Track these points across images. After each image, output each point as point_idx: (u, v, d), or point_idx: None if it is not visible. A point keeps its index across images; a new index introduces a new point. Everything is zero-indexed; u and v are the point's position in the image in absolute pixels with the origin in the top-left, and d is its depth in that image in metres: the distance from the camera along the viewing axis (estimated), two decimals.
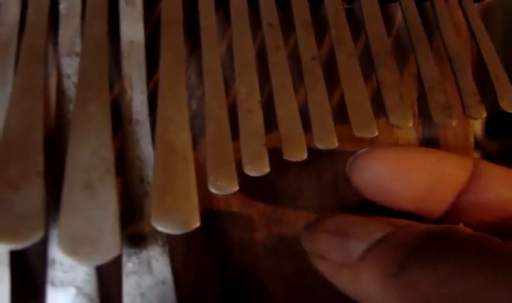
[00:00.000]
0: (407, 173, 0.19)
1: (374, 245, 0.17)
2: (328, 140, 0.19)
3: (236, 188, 0.18)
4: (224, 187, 0.18)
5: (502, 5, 0.46)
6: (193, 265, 0.21)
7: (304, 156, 0.18)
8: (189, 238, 0.18)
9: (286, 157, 0.18)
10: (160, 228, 0.17)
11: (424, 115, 0.23)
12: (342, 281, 0.18)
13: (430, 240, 0.16)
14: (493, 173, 0.19)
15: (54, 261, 0.18)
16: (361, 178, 0.19)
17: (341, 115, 0.20)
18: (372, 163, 0.19)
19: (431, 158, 0.19)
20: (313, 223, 0.19)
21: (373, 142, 0.21)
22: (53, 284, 0.18)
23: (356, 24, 0.22)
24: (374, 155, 0.19)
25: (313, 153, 0.19)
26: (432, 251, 0.15)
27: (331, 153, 0.22)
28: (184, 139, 0.18)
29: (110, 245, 0.16)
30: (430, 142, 0.23)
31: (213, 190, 0.18)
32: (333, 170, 0.22)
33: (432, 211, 0.19)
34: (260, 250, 0.22)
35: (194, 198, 0.17)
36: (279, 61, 0.20)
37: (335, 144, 0.19)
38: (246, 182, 0.18)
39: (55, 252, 0.18)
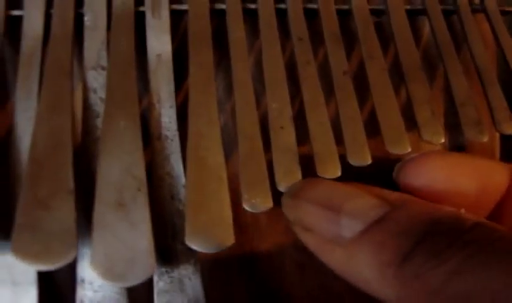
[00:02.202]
0: (458, 180, 0.18)
1: (371, 227, 0.16)
2: (361, 157, 0.19)
3: (271, 205, 0.17)
4: (259, 204, 0.17)
5: None
6: (221, 281, 0.21)
7: (338, 174, 0.18)
8: (217, 254, 0.18)
9: (319, 174, 0.18)
10: (194, 247, 0.16)
11: (450, 129, 0.23)
12: (333, 259, 0.16)
13: (435, 229, 0.15)
14: None
15: (83, 280, 0.18)
16: (411, 184, 0.18)
17: (370, 130, 0.20)
18: (424, 169, 0.18)
19: (479, 164, 0.19)
20: (298, 189, 0.18)
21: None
22: None
23: (384, 37, 0.22)
24: (426, 162, 0.18)
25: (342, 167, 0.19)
26: (439, 242, 0.14)
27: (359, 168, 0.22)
28: (216, 155, 0.18)
29: (144, 265, 0.16)
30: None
31: (248, 208, 0.17)
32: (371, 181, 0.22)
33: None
34: (287, 265, 0.21)
35: (228, 216, 0.17)
36: (309, 75, 0.20)
37: (368, 160, 0.19)
38: (274, 197, 0.18)
39: (85, 272, 0.18)
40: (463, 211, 0.16)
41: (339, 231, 0.16)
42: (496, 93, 0.21)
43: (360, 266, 0.15)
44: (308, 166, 0.18)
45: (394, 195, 0.17)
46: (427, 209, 0.16)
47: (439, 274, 0.14)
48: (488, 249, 0.14)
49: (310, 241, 0.17)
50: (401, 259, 0.14)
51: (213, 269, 0.21)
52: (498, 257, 0.13)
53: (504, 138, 0.23)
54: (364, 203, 0.16)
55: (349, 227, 0.16)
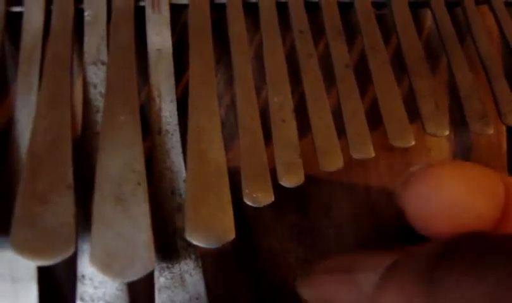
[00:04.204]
0: (473, 202, 0.16)
1: (389, 270, 0.15)
2: (364, 150, 0.18)
3: (272, 199, 0.17)
4: (260, 199, 0.17)
5: None
6: (223, 277, 0.21)
7: (341, 165, 0.18)
8: (219, 249, 0.18)
9: (322, 168, 0.18)
10: (194, 242, 0.16)
11: (455, 122, 0.22)
12: None
13: (449, 250, 0.14)
14: None
15: (83, 276, 0.18)
16: (418, 205, 0.16)
17: (372, 122, 0.20)
18: (433, 187, 0.16)
19: (488, 182, 0.17)
20: (311, 269, 0.18)
21: (406, 150, 0.21)
22: (82, 300, 0.18)
23: (386, 30, 0.22)
24: (435, 177, 0.16)
25: (344, 162, 0.18)
26: (463, 257, 0.13)
27: (362, 161, 0.21)
28: (217, 149, 0.18)
29: (144, 260, 0.16)
30: (462, 150, 0.22)
31: (249, 202, 0.17)
32: (365, 179, 0.22)
33: None
34: (291, 261, 0.21)
35: (229, 210, 0.17)
36: (311, 69, 0.20)
37: (371, 154, 0.18)
38: (277, 191, 0.18)
39: (85, 268, 0.18)
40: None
41: (359, 289, 0.16)
42: (501, 85, 0.20)
43: None
44: (309, 160, 0.18)
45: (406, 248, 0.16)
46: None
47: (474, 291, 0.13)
48: (485, 259, 0.13)
49: None
50: (425, 286, 0.14)
51: (215, 265, 0.21)
52: (495, 266, 0.13)
53: (511, 131, 0.23)
54: (377, 257, 0.16)
55: (368, 281, 0.16)
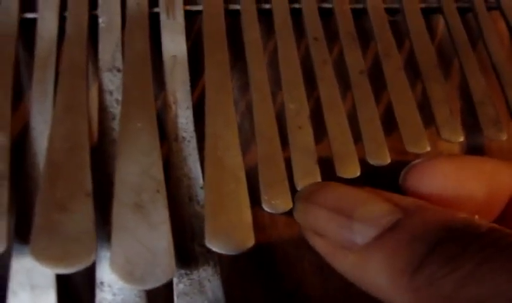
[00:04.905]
0: (467, 184, 0.18)
1: (384, 234, 0.15)
2: (380, 156, 0.19)
3: (290, 206, 0.17)
4: (279, 205, 0.17)
5: None
6: (239, 283, 0.21)
7: (358, 173, 0.18)
8: (235, 255, 0.18)
9: (339, 174, 0.18)
10: (214, 249, 0.16)
11: (467, 127, 0.22)
12: (344, 265, 0.16)
13: (449, 235, 0.15)
14: None
15: (102, 283, 0.18)
16: (419, 191, 0.18)
17: (386, 128, 0.20)
18: (432, 175, 0.18)
19: (486, 167, 0.19)
20: (309, 193, 0.18)
21: (420, 156, 0.21)
22: None
23: (399, 36, 0.22)
24: (433, 167, 0.18)
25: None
26: (453, 248, 0.14)
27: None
28: (234, 156, 0.18)
29: (165, 267, 0.16)
30: (473, 155, 0.22)
31: (268, 209, 0.17)
32: (379, 184, 0.22)
33: (485, 219, 0.18)
34: (305, 266, 0.21)
35: (248, 217, 0.17)
36: (326, 75, 0.20)
37: (387, 160, 0.19)
38: (292, 197, 0.18)
39: (104, 274, 0.18)
40: (476, 217, 0.16)
41: (351, 237, 0.16)
42: None
43: (373, 273, 0.15)
44: (326, 166, 0.18)
45: (406, 200, 0.17)
46: (441, 216, 0.15)
47: (453, 280, 0.13)
48: (503, 254, 0.13)
49: (321, 246, 0.17)
50: (415, 267, 0.14)
51: (232, 270, 0.21)
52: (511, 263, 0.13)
53: None
54: (377, 209, 0.16)
55: (362, 233, 0.16)
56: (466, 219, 0.15)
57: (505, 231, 0.14)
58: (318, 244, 0.17)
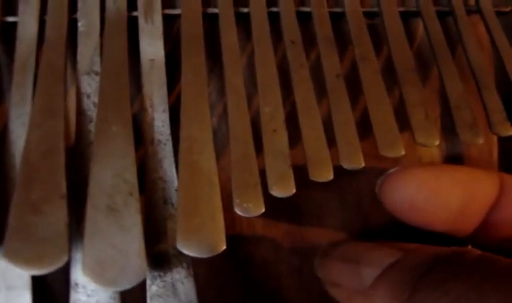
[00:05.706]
0: (441, 193, 0.18)
1: (386, 271, 0.17)
2: (354, 160, 0.19)
3: (263, 210, 0.17)
4: (251, 209, 0.17)
5: None
6: (216, 286, 0.21)
7: (331, 177, 0.18)
8: (211, 258, 0.18)
9: (312, 178, 0.18)
10: (186, 252, 0.16)
11: (447, 131, 0.22)
12: None
13: (438, 263, 0.15)
14: None
15: (76, 284, 0.18)
16: (393, 199, 0.18)
17: (362, 132, 0.20)
18: (405, 184, 0.18)
19: (462, 176, 0.19)
20: (326, 251, 0.20)
21: (396, 160, 0.21)
22: None
23: (377, 39, 0.22)
24: (407, 176, 0.18)
25: (335, 170, 0.19)
26: (442, 274, 0.15)
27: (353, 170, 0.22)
28: (208, 159, 0.18)
29: (136, 269, 0.16)
30: (453, 159, 0.22)
31: (239, 212, 0.17)
32: (356, 187, 0.22)
33: (463, 229, 0.19)
34: (284, 269, 0.21)
35: (220, 221, 0.17)
36: (302, 79, 0.20)
37: (361, 164, 0.19)
38: (268, 201, 0.18)
39: (78, 276, 0.18)
40: (469, 247, 0.18)
41: (360, 281, 0.17)
42: (492, 95, 0.20)
43: None
44: (300, 170, 0.18)
45: (410, 245, 0.18)
46: (435, 249, 0.17)
47: None
48: (492, 279, 0.14)
49: (339, 295, 0.19)
50: (409, 294, 0.15)
51: (208, 274, 0.21)
52: (499, 288, 0.14)
53: (502, 140, 0.23)
54: (380, 252, 0.18)
55: (368, 275, 0.17)
56: (457, 249, 0.16)
57: (495, 257, 0.15)
58: (337, 294, 0.19)
